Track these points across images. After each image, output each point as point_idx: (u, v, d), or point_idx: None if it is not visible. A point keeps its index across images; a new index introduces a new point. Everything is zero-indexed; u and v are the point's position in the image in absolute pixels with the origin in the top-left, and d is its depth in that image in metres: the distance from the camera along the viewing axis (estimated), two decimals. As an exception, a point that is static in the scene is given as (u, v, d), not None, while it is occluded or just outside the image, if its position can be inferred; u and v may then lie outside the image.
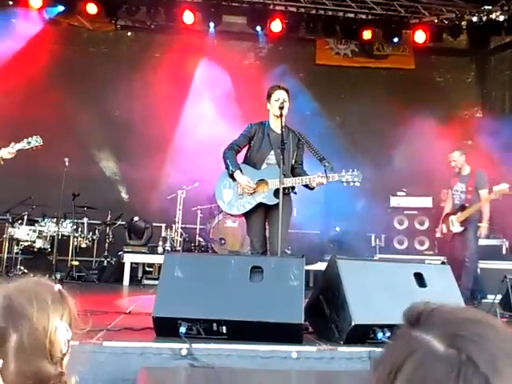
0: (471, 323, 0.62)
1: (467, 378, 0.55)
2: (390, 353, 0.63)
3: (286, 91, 4.73)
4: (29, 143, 5.16)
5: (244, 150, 4.92)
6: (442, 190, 6.86)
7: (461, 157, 6.56)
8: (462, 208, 6.50)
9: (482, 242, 6.94)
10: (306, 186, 4.61)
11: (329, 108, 9.47)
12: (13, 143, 5.11)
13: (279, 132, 4.60)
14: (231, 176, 4.69)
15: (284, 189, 4.47)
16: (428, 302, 0.66)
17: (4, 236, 7.22)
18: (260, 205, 4.69)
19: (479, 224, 6.44)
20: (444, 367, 0.56)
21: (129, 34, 9.41)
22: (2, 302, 1.11)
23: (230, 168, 4.66)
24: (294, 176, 4.71)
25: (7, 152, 5.02)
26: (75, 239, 7.79)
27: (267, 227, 4.87)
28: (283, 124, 4.70)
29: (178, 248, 8.11)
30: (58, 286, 1.20)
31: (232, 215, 6.02)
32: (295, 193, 4.83)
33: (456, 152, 6.59)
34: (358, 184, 4.49)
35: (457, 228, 6.52)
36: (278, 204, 4.51)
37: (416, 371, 0.57)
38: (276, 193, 4.61)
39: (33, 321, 1.08)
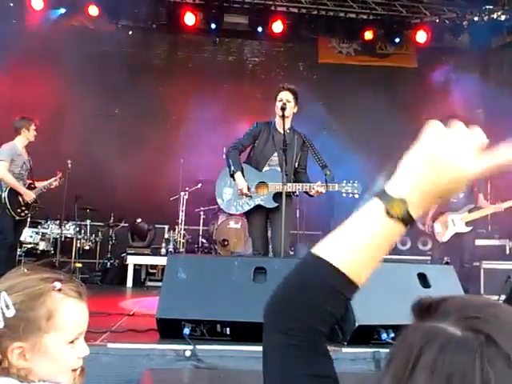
0: (485, 307, 0.61)
1: (490, 358, 0.54)
2: (403, 346, 0.61)
3: (292, 92, 4.68)
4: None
5: (248, 149, 4.92)
6: None
7: None
8: (470, 209, 6.33)
9: (486, 242, 6.89)
10: (306, 192, 4.61)
11: (331, 106, 9.44)
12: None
13: (283, 133, 4.59)
14: (232, 176, 4.69)
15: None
16: (432, 297, 0.65)
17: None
18: (260, 206, 4.69)
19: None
20: (465, 350, 0.56)
21: (130, 32, 9.43)
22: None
23: (232, 168, 4.65)
24: (296, 180, 4.70)
25: (54, 179, 6.43)
26: (78, 241, 7.80)
27: (269, 228, 4.87)
28: (288, 125, 4.69)
29: (181, 249, 8.11)
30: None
31: (230, 214, 6.02)
32: (297, 195, 4.83)
33: None
34: (356, 196, 4.46)
35: (461, 228, 6.34)
36: (278, 206, 4.51)
37: (437, 359, 0.56)
38: (275, 196, 4.61)
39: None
